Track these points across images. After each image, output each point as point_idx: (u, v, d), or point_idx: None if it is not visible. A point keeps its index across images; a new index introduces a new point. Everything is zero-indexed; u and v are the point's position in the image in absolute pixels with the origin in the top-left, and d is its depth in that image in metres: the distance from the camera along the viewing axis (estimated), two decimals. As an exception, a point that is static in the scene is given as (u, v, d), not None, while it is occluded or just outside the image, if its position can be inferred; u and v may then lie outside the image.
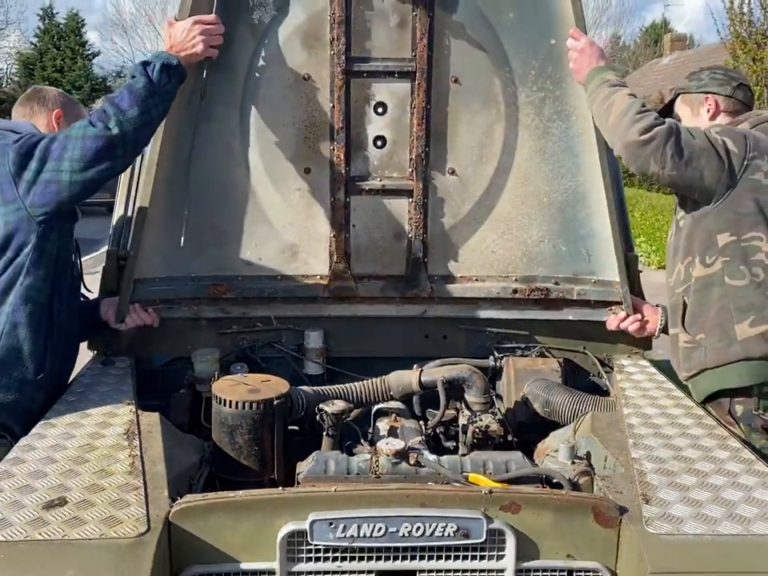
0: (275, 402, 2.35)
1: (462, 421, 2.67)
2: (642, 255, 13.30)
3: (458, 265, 2.93)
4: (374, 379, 2.69)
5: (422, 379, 2.66)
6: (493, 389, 2.87)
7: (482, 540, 1.84)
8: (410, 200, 2.83)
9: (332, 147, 2.78)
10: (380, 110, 2.79)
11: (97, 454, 2.13)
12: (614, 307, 2.94)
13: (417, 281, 2.89)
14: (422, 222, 2.84)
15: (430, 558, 1.85)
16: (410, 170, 2.82)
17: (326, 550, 1.84)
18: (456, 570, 1.86)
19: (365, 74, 2.74)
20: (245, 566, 1.84)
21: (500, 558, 1.85)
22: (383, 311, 2.94)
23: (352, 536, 1.82)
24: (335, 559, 1.84)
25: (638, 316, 2.92)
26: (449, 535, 1.83)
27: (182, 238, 2.72)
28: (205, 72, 2.67)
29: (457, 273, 2.93)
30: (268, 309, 2.90)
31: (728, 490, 2.01)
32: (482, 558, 1.85)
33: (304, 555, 1.84)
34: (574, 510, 1.87)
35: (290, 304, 2.91)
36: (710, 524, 1.85)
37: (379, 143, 2.82)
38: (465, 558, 1.85)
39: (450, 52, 2.74)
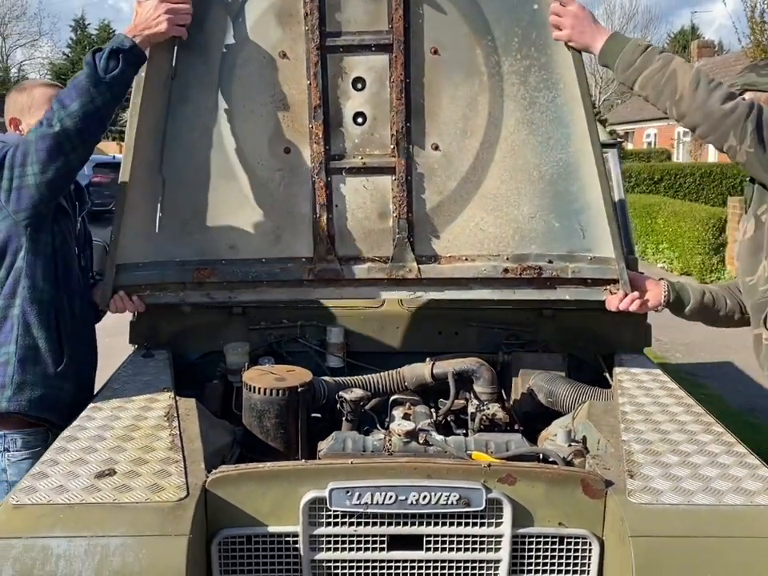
0: (299, 390, 2.60)
1: (470, 409, 2.89)
2: (664, 262, 13.47)
3: (446, 244, 2.84)
4: (390, 371, 2.93)
5: (434, 371, 2.90)
6: (501, 381, 3.09)
7: (482, 508, 2.06)
8: (393, 178, 2.75)
9: (311, 126, 2.71)
10: (359, 85, 2.71)
11: (141, 433, 2.39)
12: (610, 286, 2.84)
13: (403, 262, 2.82)
14: (405, 201, 2.76)
15: (435, 523, 2.08)
16: (392, 146, 2.73)
17: (343, 516, 2.07)
18: (458, 535, 2.09)
19: (341, 49, 2.66)
20: (272, 529, 2.08)
21: (498, 524, 2.08)
22: (369, 293, 2.92)
23: (366, 503, 2.05)
24: (351, 524, 2.08)
25: (636, 294, 2.81)
26: (452, 503, 2.06)
27: (157, 224, 2.70)
28: (175, 51, 2.61)
29: (445, 253, 2.84)
30: (253, 293, 2.88)
31: (706, 468, 2.21)
32: (482, 524, 2.08)
33: (324, 520, 2.08)
34: (565, 482, 2.10)
35: (275, 287, 2.87)
36: (687, 495, 2.07)
37: (359, 120, 2.74)
38: (466, 524, 2.08)
39: (428, 22, 2.65)
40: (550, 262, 2.82)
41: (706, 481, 2.14)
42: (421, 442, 2.35)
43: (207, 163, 2.78)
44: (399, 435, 2.35)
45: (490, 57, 2.68)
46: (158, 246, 2.81)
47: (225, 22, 2.67)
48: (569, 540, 2.10)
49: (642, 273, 3.09)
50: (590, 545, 2.08)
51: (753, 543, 1.96)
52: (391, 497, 2.05)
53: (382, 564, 2.11)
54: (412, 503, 2.06)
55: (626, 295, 2.80)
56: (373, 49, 2.65)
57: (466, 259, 2.83)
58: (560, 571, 2.11)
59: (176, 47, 2.62)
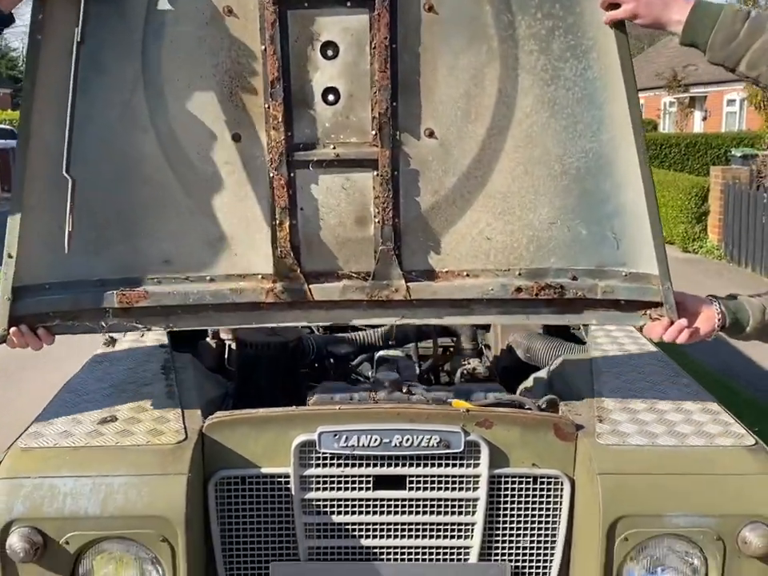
0: (289, 344, 2.74)
1: (453, 365, 3.05)
2: (648, 230, 13.59)
3: (442, 257, 2.28)
4: (376, 328, 3.07)
5: (419, 328, 3.05)
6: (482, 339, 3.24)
7: (461, 450, 2.20)
8: (375, 173, 2.19)
9: (266, 105, 2.13)
10: (329, 52, 2.13)
11: (139, 383, 2.53)
12: (651, 310, 2.26)
13: (388, 279, 2.25)
14: (391, 202, 2.19)
15: (417, 464, 2.22)
16: (373, 132, 2.16)
17: (332, 457, 2.21)
18: (438, 476, 2.23)
19: (305, 4, 2.09)
20: (264, 470, 2.22)
21: (475, 465, 2.22)
22: (344, 317, 2.35)
23: (353, 445, 2.19)
24: (339, 465, 2.22)
25: (684, 322, 2.20)
26: (433, 446, 2.20)
27: (66, 241, 2.03)
28: (82, 4, 2.02)
29: (441, 267, 2.28)
30: (195, 319, 2.30)
31: (671, 413, 2.37)
32: (461, 465, 2.22)
33: (313, 462, 2.21)
34: (538, 426, 2.25)
35: (224, 312, 2.30)
36: (651, 437, 2.23)
37: (330, 98, 2.16)
38: (446, 465, 2.22)
39: None
40: (575, 278, 2.26)
41: (670, 425, 2.30)
42: (404, 391, 2.50)
43: (130, 153, 2.19)
44: (384, 385, 2.50)
45: (502, 16, 2.12)
46: (69, 261, 2.16)
47: None
48: (542, 480, 2.25)
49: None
50: (562, 484, 2.24)
51: (710, 480, 2.13)
52: (376, 440, 2.19)
53: (368, 502, 2.25)
54: (395, 445, 2.20)
55: (672, 323, 2.21)
56: (348, 4, 2.09)
57: (468, 275, 2.28)
58: (534, 509, 2.26)
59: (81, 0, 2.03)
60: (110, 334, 2.44)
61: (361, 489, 2.24)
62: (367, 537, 2.26)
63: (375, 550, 2.27)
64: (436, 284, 2.28)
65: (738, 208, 11.54)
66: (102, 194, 2.21)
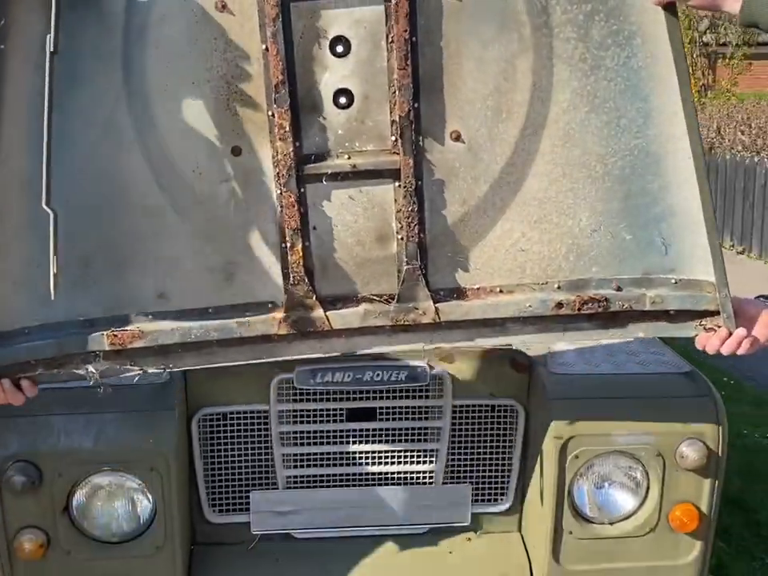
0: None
1: None
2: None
3: (473, 273, 2.08)
4: None
5: None
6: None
7: (426, 383, 2.40)
8: (397, 184, 1.97)
9: (270, 112, 1.89)
10: (339, 48, 1.90)
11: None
12: (706, 320, 2.06)
13: (414, 301, 2.04)
14: (416, 216, 1.98)
15: (387, 398, 2.42)
16: (393, 138, 1.94)
17: (308, 393, 2.39)
18: (406, 407, 2.45)
19: None
20: (245, 407, 2.39)
21: (440, 397, 2.44)
22: (366, 345, 2.12)
23: (327, 381, 2.36)
24: (314, 400, 2.40)
25: (743, 332, 1.99)
26: (401, 380, 2.38)
27: (51, 281, 1.81)
28: (53, 9, 1.71)
29: (471, 284, 2.08)
30: (197, 357, 2.07)
31: (616, 346, 2.62)
32: (426, 397, 2.44)
33: (291, 397, 2.39)
34: (496, 359, 2.46)
35: (230, 347, 2.07)
36: (594, 366, 2.47)
37: (342, 101, 1.93)
38: (413, 397, 2.43)
39: None
40: (619, 288, 2.06)
41: (612, 356, 2.55)
42: None
43: (115, 176, 1.92)
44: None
45: (534, 0, 1.91)
46: (50, 301, 1.89)
47: None
48: (499, 408, 2.47)
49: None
50: (517, 411, 2.48)
51: (651, 403, 2.38)
52: (349, 375, 2.36)
53: (341, 434, 2.45)
54: (367, 380, 2.37)
55: (730, 333, 2.01)
56: None
57: (501, 291, 2.07)
58: (492, 435, 2.49)
59: (53, 2, 1.71)
60: (103, 380, 2.12)
61: (335, 421, 2.44)
62: (341, 465, 2.47)
63: (348, 477, 2.49)
64: (467, 303, 2.07)
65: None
66: (86, 224, 1.92)
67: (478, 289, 2.07)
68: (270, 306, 2.04)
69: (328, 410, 2.43)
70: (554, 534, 2.40)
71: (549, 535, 2.40)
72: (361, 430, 2.45)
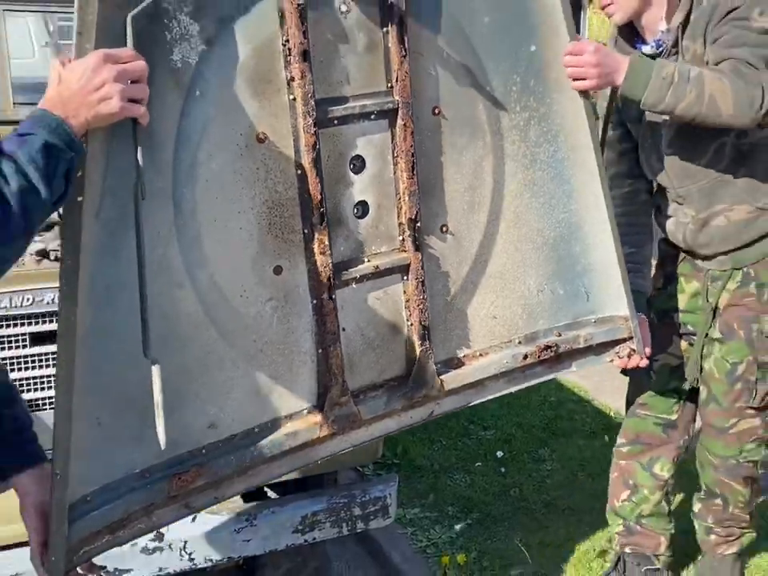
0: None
1: None
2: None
3: (460, 342, 2.35)
4: None
5: None
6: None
7: None
8: (407, 277, 2.18)
9: (305, 230, 2.01)
10: (357, 166, 2.09)
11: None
12: (621, 346, 2.55)
13: (424, 379, 2.24)
14: (424, 303, 2.20)
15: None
16: (400, 238, 2.17)
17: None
18: None
19: (335, 121, 2.02)
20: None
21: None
22: (385, 428, 2.29)
23: (5, 306, 2.29)
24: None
25: (648, 350, 2.57)
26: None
27: (160, 431, 1.71)
28: (139, 152, 1.64)
29: (460, 353, 2.35)
30: (245, 481, 2.09)
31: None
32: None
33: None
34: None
35: (274, 462, 2.11)
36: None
37: (360, 211, 2.12)
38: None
39: (426, 76, 2.14)
40: (559, 334, 2.47)
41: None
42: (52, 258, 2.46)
43: (167, 315, 1.88)
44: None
45: (491, 111, 2.26)
46: (106, 459, 1.84)
47: (176, 97, 1.77)
48: None
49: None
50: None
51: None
52: (29, 299, 2.31)
53: (26, 359, 2.39)
54: (48, 303, 2.33)
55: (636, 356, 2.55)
56: (373, 116, 2.07)
57: (481, 355, 2.37)
58: None
59: (138, 142, 1.65)
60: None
61: (18, 347, 2.37)
62: (29, 391, 2.40)
63: (38, 402, 2.41)
64: (461, 371, 2.33)
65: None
66: (139, 370, 1.78)
67: (463, 357, 2.35)
68: (305, 412, 2.13)
69: (10, 336, 2.36)
70: None
71: None
72: (44, 354, 2.40)
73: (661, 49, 2.65)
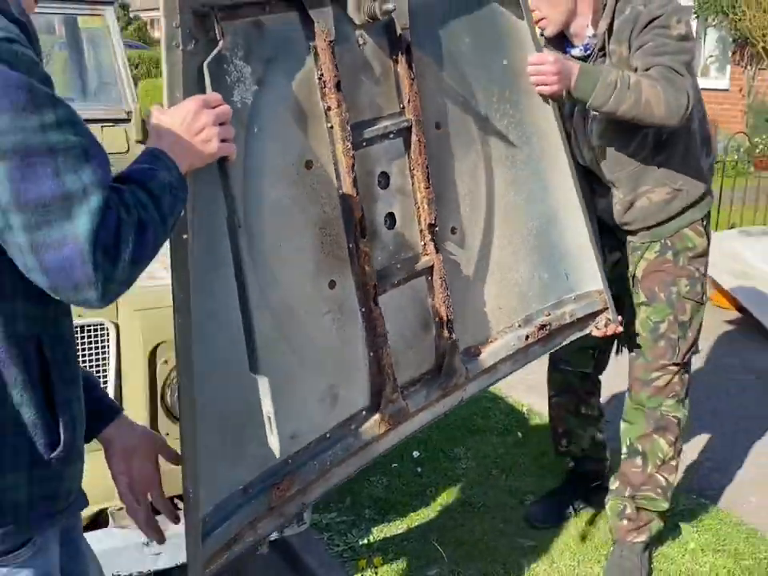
0: None
1: None
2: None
3: (476, 332, 2.58)
4: None
5: None
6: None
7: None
8: (431, 278, 2.40)
9: (350, 245, 2.18)
10: (383, 181, 2.29)
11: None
12: (600, 317, 2.83)
13: (453, 368, 2.44)
14: (448, 300, 2.42)
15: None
16: (422, 242, 2.38)
17: None
18: None
19: (364, 143, 2.21)
20: None
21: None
22: (425, 419, 2.46)
23: None
24: None
25: (620, 318, 2.85)
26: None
27: (271, 430, 1.97)
28: (231, 185, 1.84)
29: (475, 342, 2.57)
30: (324, 483, 2.20)
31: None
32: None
33: None
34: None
35: (342, 463, 2.23)
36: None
37: (388, 222, 2.32)
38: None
39: (428, 95, 2.37)
40: (549, 314, 2.73)
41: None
42: None
43: (247, 337, 1.97)
44: None
45: (479, 121, 2.52)
46: (212, 475, 1.88)
47: (239, 134, 1.85)
48: (88, 328, 2.53)
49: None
50: (107, 328, 2.56)
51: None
52: None
53: None
54: None
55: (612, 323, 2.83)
56: (392, 136, 2.27)
57: (492, 341, 2.61)
58: (85, 354, 2.52)
59: (227, 173, 1.82)
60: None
61: None
62: None
63: None
64: (479, 358, 2.55)
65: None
66: (237, 389, 1.96)
67: (478, 344, 2.57)
68: (363, 413, 2.27)
69: None
70: None
71: None
72: None
73: (588, 51, 2.96)
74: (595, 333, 2.82)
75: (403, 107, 2.29)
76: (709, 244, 3.14)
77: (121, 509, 2.39)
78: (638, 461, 3.13)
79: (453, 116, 2.45)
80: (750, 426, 4.46)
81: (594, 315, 2.82)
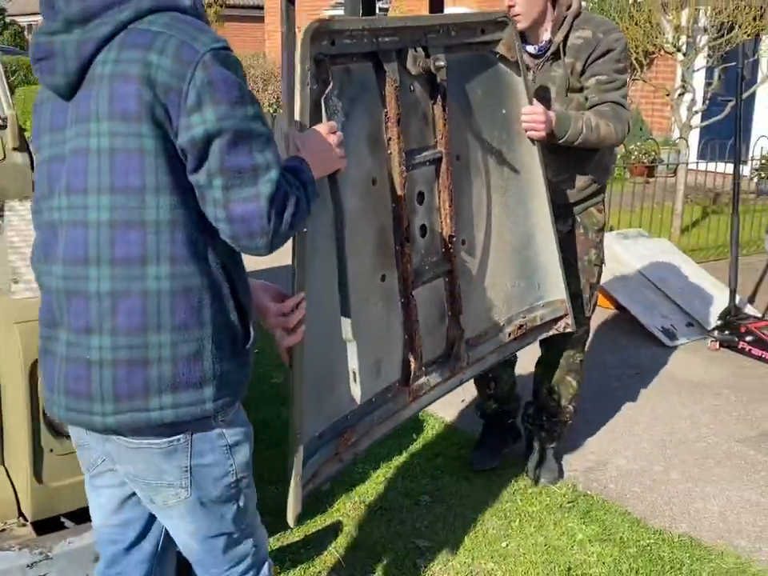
0: None
1: None
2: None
3: (474, 327, 3.09)
4: None
5: None
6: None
7: None
8: (448, 279, 2.92)
9: (397, 247, 2.69)
10: (420, 199, 2.81)
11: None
12: (559, 323, 3.41)
13: (459, 354, 2.98)
14: (460, 298, 2.95)
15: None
16: (443, 250, 2.89)
17: None
18: None
19: (411, 168, 2.70)
20: None
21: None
22: (435, 395, 2.94)
23: None
24: None
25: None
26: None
27: (355, 382, 2.49)
28: (340, 192, 2.34)
29: (473, 334, 3.09)
30: (368, 438, 2.65)
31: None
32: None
33: None
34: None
35: (383, 423, 2.72)
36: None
37: (422, 231, 2.82)
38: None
39: (453, 133, 2.88)
40: (524, 317, 3.30)
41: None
42: None
43: (329, 314, 2.43)
44: None
45: (484, 156, 3.08)
46: (303, 427, 2.27)
47: None
48: None
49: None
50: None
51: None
52: None
53: None
54: None
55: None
56: (428, 163, 2.80)
57: (484, 335, 3.17)
58: None
59: (337, 182, 2.29)
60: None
61: None
62: None
63: None
64: (477, 348, 3.09)
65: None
66: (326, 354, 2.45)
67: (476, 336, 3.10)
68: (397, 384, 2.76)
69: None
70: (34, 456, 2.42)
71: (29, 458, 2.42)
72: None
73: (541, 52, 3.52)
74: (553, 332, 3.43)
75: (436, 141, 2.81)
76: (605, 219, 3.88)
77: (3, 530, 2.37)
78: (555, 397, 3.82)
79: (468, 150, 2.99)
80: (632, 419, 4.68)
81: (557, 320, 3.40)
